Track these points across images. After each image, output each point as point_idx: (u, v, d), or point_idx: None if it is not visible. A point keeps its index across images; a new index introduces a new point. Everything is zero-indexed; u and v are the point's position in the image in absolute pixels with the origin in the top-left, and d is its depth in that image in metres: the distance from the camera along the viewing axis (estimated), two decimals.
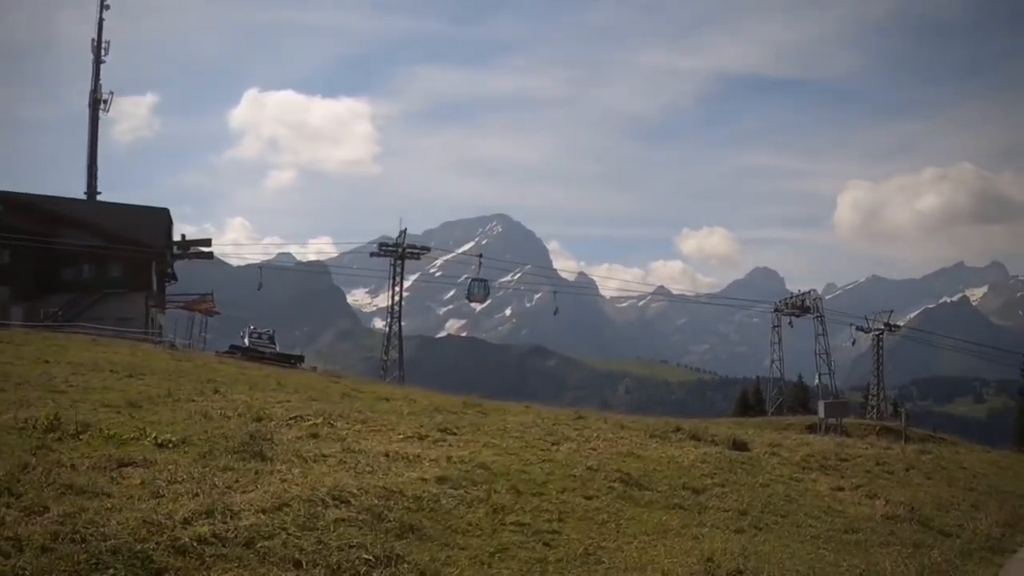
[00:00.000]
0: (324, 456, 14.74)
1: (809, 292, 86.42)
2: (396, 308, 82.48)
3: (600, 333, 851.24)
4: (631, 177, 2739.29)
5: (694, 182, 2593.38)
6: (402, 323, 79.78)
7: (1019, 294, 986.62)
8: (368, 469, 14.15)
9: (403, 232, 78.73)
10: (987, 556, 17.39)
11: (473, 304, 77.72)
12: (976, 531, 19.50)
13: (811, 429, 60.26)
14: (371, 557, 9.68)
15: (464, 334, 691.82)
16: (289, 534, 9.87)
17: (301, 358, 64.45)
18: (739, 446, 25.57)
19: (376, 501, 11.95)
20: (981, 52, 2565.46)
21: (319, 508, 10.98)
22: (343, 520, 10.78)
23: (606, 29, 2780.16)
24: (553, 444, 20.74)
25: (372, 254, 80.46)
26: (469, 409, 27.74)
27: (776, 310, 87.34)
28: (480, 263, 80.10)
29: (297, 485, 11.90)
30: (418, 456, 15.97)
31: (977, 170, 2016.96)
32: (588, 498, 15.58)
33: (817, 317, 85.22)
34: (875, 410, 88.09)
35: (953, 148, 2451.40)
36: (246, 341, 66.00)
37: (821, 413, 63.79)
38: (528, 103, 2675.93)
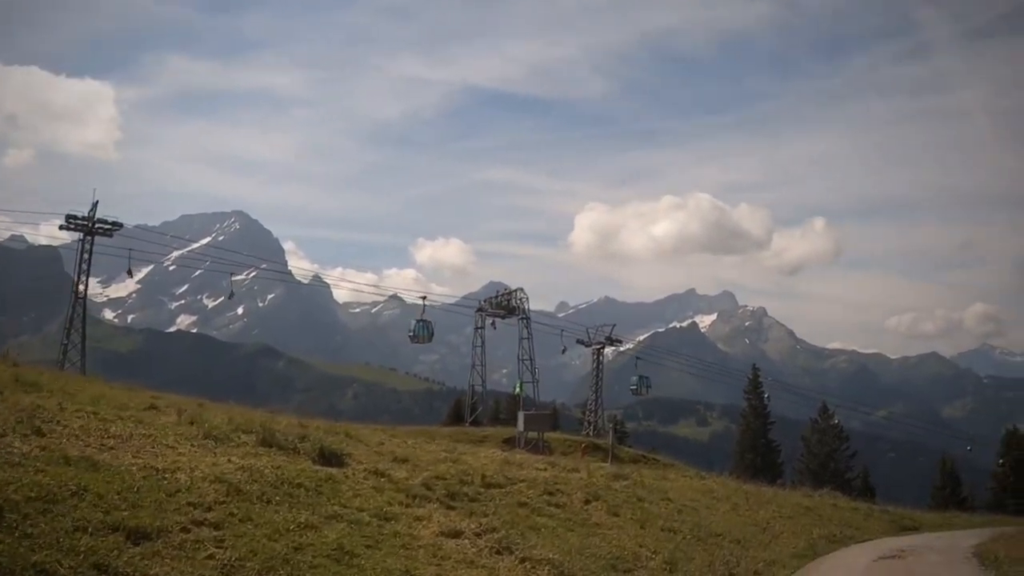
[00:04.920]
0: None
1: (515, 292, 79.79)
2: (82, 288, 72.23)
3: (332, 337, 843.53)
4: (371, 183, 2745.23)
5: (433, 192, 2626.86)
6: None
7: (747, 323, 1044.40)
8: None
9: (95, 204, 69.20)
10: None
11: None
12: None
13: (509, 443, 54.87)
14: None
15: (195, 330, 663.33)
16: None
17: None
18: (329, 459, 17.31)
19: None
20: (725, 91, 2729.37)
21: None
22: None
23: (358, 32, 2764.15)
24: None
25: (60, 227, 70.42)
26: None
27: (479, 310, 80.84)
28: (424, 307, 77.27)
29: None
30: None
31: (713, 201, 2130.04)
32: None
33: (522, 319, 79.12)
34: (592, 426, 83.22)
35: (692, 178, 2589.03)
36: None
37: (520, 426, 57.70)
38: (274, 101, 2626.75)
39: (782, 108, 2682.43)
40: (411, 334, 77.85)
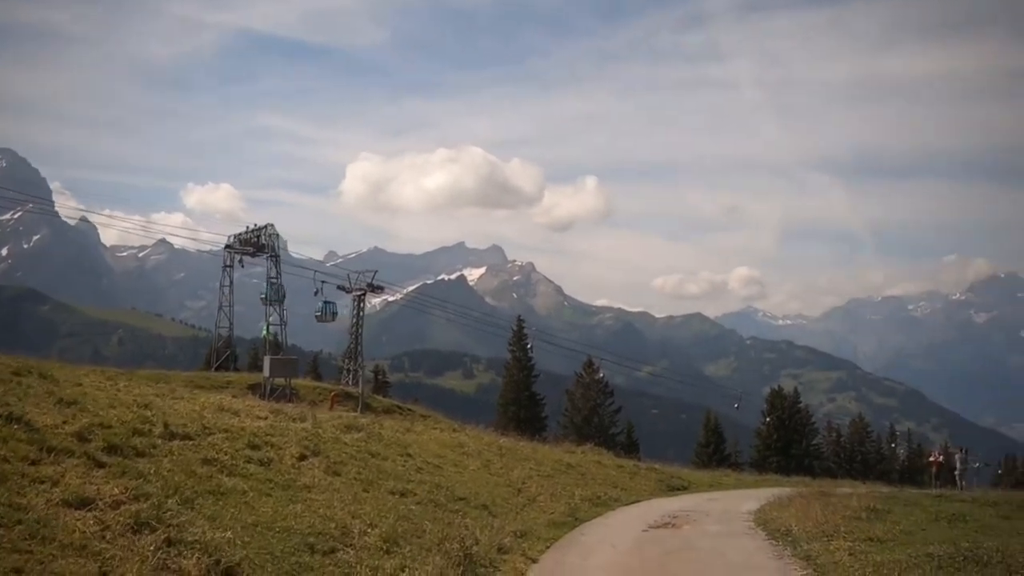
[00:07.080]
0: None
1: (265, 227, 74.82)
2: None
3: (98, 280, 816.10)
4: (141, 125, 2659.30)
5: (204, 136, 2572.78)
6: None
7: (515, 278, 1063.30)
8: None
9: None
10: None
11: None
12: None
13: (255, 389, 52.01)
14: None
15: None
16: None
17: None
18: None
19: None
20: (501, 46, 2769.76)
21: None
22: None
23: None
24: None
25: None
26: None
27: (228, 247, 75.53)
28: (322, 287, 75.01)
29: None
30: None
31: (486, 155, 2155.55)
32: None
33: (271, 256, 74.47)
34: (352, 375, 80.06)
35: (466, 132, 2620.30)
36: None
37: (266, 371, 54.82)
38: (46, 36, 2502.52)
39: (557, 66, 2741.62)
40: (318, 314, 77.53)
